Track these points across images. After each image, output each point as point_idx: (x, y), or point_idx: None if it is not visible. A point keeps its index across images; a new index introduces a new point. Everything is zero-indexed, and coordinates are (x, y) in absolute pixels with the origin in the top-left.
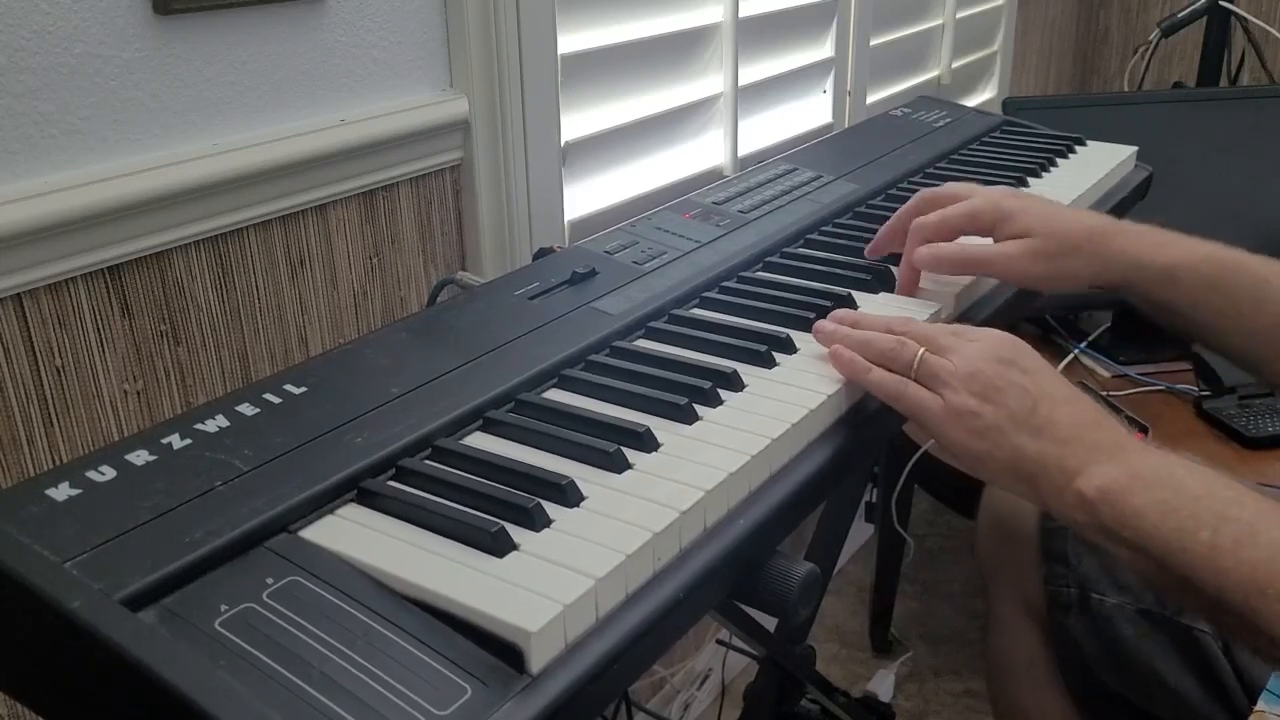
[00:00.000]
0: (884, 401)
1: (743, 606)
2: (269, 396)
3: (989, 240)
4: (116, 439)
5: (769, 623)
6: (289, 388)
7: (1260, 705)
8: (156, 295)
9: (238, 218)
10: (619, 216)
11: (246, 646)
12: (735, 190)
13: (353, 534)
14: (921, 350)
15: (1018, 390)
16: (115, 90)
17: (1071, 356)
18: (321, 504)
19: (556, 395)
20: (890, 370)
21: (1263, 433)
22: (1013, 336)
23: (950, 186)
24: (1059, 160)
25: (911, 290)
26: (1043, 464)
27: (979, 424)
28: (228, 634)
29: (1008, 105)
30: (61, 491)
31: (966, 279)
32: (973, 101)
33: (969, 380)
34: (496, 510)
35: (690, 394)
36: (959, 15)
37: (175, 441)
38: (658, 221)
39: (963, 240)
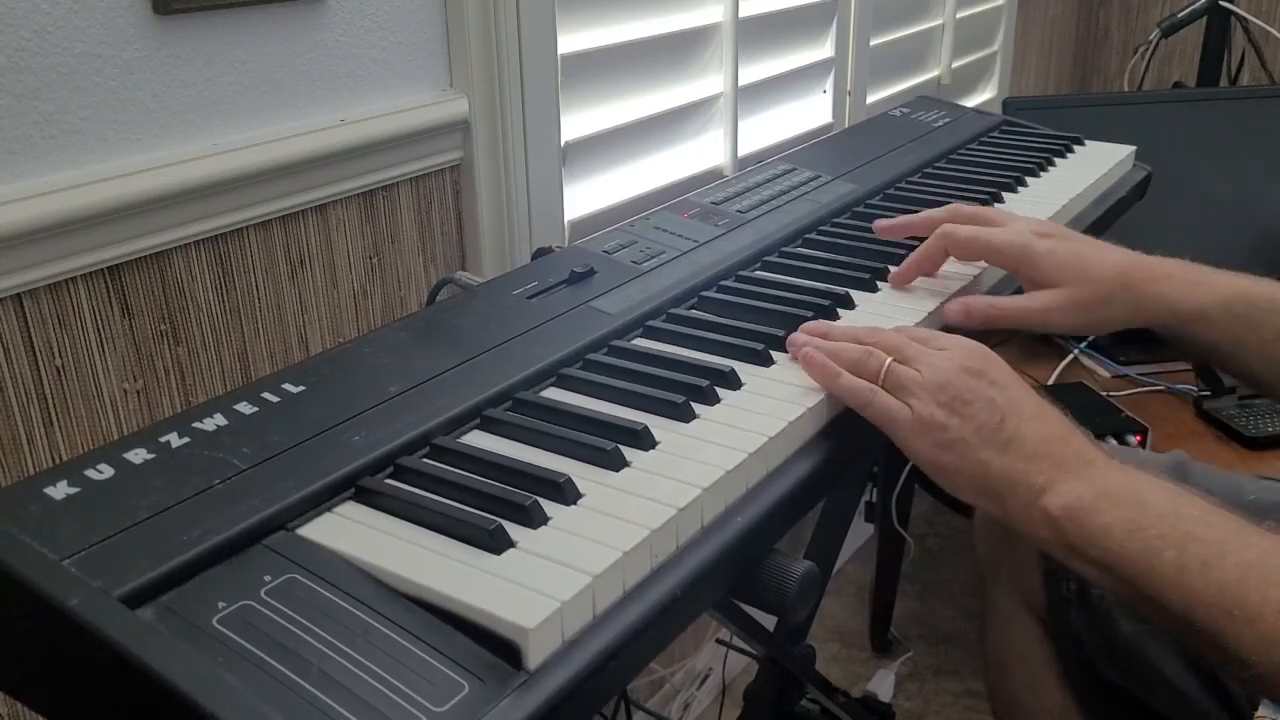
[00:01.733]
0: (853, 409)
1: (742, 605)
2: (267, 395)
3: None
4: (116, 438)
5: (769, 622)
6: (287, 386)
7: (1261, 711)
8: (156, 295)
9: (238, 218)
10: (619, 216)
11: (244, 644)
12: (734, 190)
13: (351, 532)
14: (889, 360)
15: (985, 403)
16: (115, 90)
17: (1071, 357)
18: (319, 502)
19: (554, 394)
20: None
21: (1263, 433)
22: (982, 347)
23: (986, 211)
24: (1057, 160)
25: (906, 282)
26: (1008, 480)
27: (945, 437)
28: (226, 631)
29: (1008, 105)
30: (60, 490)
31: (967, 278)
32: (973, 101)
33: (937, 391)
34: (494, 508)
35: (688, 392)
36: (959, 15)
37: (174, 440)
38: (656, 221)
39: (994, 299)
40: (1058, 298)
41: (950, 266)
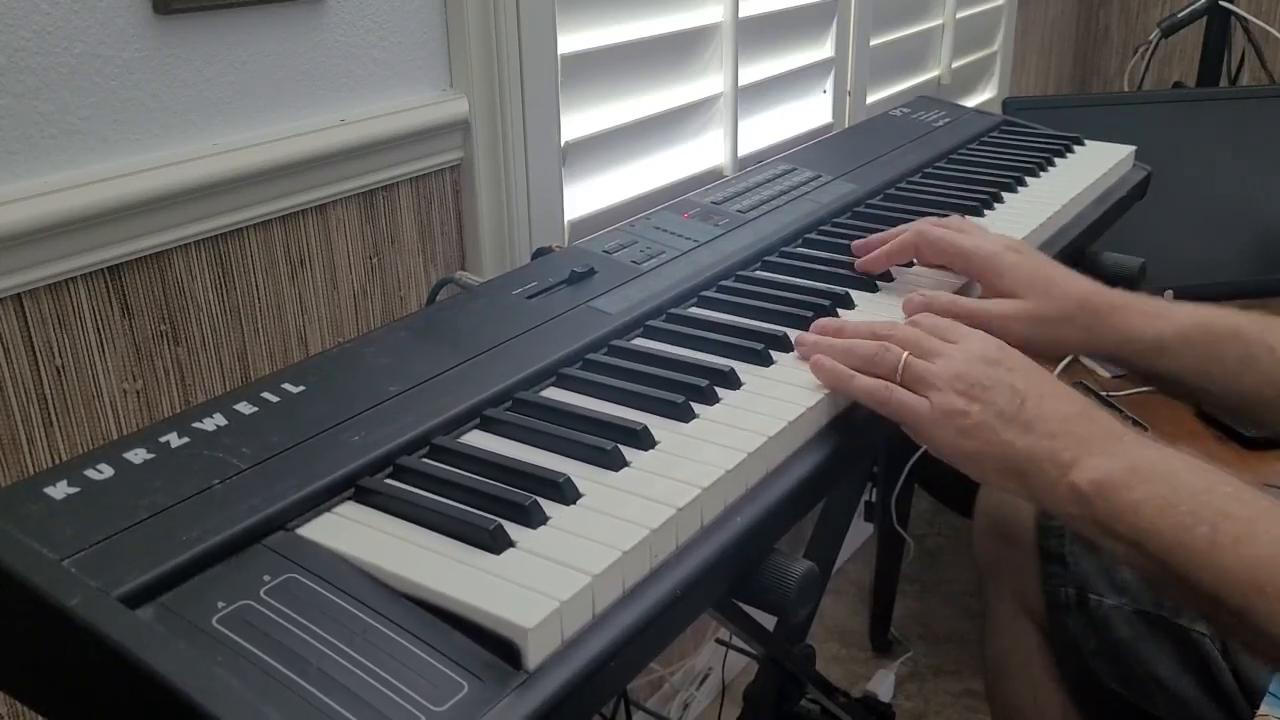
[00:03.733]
0: (870, 408)
1: (742, 605)
2: (267, 395)
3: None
4: (116, 438)
5: (769, 622)
6: (287, 386)
7: (1264, 709)
8: (156, 295)
9: (238, 218)
10: (619, 216)
11: (244, 643)
12: (734, 190)
13: (350, 532)
14: (905, 354)
15: (1004, 388)
16: (115, 90)
17: (1071, 357)
18: (319, 502)
19: (554, 394)
20: (875, 375)
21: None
22: (997, 339)
23: (959, 220)
24: (1057, 160)
25: (878, 269)
26: (1034, 459)
27: (967, 423)
28: (225, 631)
29: (1007, 105)
30: (60, 490)
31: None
32: (973, 101)
33: (955, 381)
34: (494, 508)
35: (688, 392)
36: (959, 15)
37: (173, 440)
38: (656, 221)
39: (956, 297)
40: (1019, 307)
41: (950, 276)
